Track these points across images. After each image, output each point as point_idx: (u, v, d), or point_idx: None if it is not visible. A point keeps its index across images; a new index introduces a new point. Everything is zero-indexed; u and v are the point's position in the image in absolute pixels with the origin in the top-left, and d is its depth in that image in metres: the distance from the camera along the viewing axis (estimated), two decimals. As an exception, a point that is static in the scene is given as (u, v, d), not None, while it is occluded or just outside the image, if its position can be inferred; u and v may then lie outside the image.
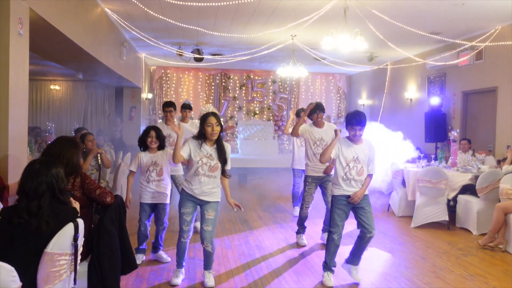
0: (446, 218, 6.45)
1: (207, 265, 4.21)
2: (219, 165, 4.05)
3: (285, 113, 15.55)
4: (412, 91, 11.48)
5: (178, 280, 4.21)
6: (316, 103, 5.57)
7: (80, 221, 2.66)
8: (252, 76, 15.31)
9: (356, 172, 4.20)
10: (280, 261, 4.94)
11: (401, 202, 7.30)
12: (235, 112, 15.31)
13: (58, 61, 8.81)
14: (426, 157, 7.71)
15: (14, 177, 4.08)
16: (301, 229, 5.73)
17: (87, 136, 5.76)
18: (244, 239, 5.84)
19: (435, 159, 7.71)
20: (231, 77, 15.25)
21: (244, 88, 15.33)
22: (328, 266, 4.34)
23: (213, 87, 15.23)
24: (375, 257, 5.17)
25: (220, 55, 11.52)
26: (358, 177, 4.21)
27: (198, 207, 4.18)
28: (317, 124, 5.52)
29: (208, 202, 4.10)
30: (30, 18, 4.67)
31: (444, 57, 9.27)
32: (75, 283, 2.70)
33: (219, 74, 15.16)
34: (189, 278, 4.40)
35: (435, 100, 9.80)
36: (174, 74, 15.05)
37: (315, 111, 5.48)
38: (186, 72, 15.05)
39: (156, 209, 4.87)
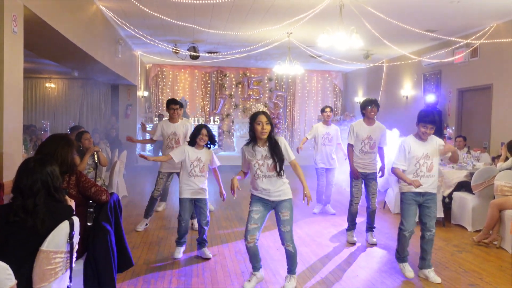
0: (441, 215, 6.47)
1: (291, 268, 4.10)
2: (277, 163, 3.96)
3: (281, 110, 15.56)
4: (408, 89, 11.51)
5: (251, 284, 4.06)
6: (370, 99, 5.51)
7: (76, 219, 2.66)
8: (248, 74, 15.31)
9: (426, 169, 4.27)
10: (277, 259, 4.95)
11: (396, 199, 7.31)
12: (231, 110, 15.30)
13: (53, 59, 8.78)
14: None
15: (9, 176, 4.07)
16: (351, 225, 5.72)
17: (84, 135, 5.74)
18: (241, 237, 5.84)
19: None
20: (227, 74, 15.25)
21: (240, 85, 15.33)
22: (401, 257, 4.44)
23: (209, 85, 15.23)
24: (371, 254, 5.19)
25: (216, 52, 11.51)
26: (428, 173, 4.27)
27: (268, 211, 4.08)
28: (368, 120, 5.48)
29: (279, 202, 3.99)
30: (25, 16, 4.65)
31: (439, 55, 9.29)
32: (70, 281, 2.71)
33: (215, 72, 15.15)
34: (185, 275, 4.41)
35: (430, 98, 9.83)
36: (170, 72, 15.03)
37: (369, 105, 5.41)
38: (182, 69, 15.03)
39: (197, 204, 4.91)
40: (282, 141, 4.03)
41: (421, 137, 4.30)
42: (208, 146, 4.91)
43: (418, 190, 4.23)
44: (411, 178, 4.25)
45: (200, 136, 4.79)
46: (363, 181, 5.60)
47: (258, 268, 4.12)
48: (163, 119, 6.51)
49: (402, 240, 4.39)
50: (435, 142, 4.36)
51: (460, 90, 9.32)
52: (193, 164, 4.82)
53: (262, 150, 3.96)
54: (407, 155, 4.29)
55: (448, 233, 6.16)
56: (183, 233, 4.92)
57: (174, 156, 4.82)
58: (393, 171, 4.38)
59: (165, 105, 14.61)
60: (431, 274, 4.37)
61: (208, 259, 4.89)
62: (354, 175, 5.54)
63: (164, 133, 6.21)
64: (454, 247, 5.49)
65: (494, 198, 5.86)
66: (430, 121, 4.22)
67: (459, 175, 6.57)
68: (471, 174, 6.39)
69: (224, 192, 4.97)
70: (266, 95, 15.53)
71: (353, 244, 5.58)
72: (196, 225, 5.69)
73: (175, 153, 4.85)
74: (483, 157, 7.32)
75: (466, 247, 5.52)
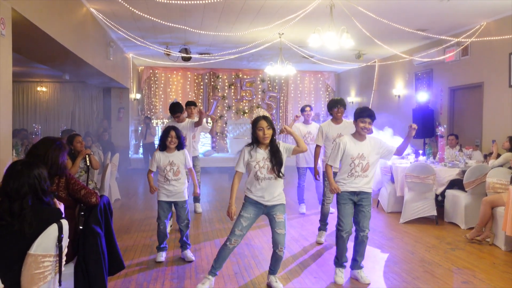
0: (435, 213, 6.49)
1: (274, 270, 4.13)
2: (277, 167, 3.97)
3: (274, 111, 15.55)
4: (400, 88, 11.54)
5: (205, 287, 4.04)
6: (337, 98, 5.64)
7: (64, 222, 2.63)
8: (240, 75, 15.28)
9: (361, 169, 4.23)
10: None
11: (390, 198, 7.35)
12: (224, 111, 15.27)
13: (43, 62, 8.72)
14: (415, 152, 7.76)
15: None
16: (323, 226, 5.76)
17: (76, 138, 5.71)
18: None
19: (423, 154, 7.76)
20: (220, 76, 15.21)
21: (233, 87, 15.30)
22: (339, 262, 4.36)
23: (201, 87, 15.18)
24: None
25: (208, 54, 11.49)
26: (363, 173, 4.24)
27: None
28: (336, 120, 5.56)
29: (274, 206, 4.00)
30: (13, 18, 4.61)
31: (430, 54, 9.33)
32: (60, 284, 2.68)
33: (207, 74, 15.11)
34: (178, 277, 4.38)
35: (422, 96, 9.86)
36: (163, 74, 14.97)
37: (336, 106, 5.49)
38: (175, 72, 14.98)
39: (175, 207, 4.89)
40: (282, 146, 4.04)
41: (361, 133, 4.24)
42: (181, 148, 4.88)
43: (352, 189, 4.23)
44: (346, 177, 4.25)
45: (169, 139, 4.75)
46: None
47: (216, 273, 4.08)
48: (168, 120, 6.73)
49: (340, 241, 4.30)
50: (373, 142, 4.30)
51: (451, 89, 9.36)
52: (166, 168, 4.78)
53: (264, 153, 3.96)
54: (342, 154, 4.26)
55: (441, 231, 6.18)
56: (163, 238, 4.87)
57: (152, 168, 4.82)
58: (325, 167, 4.42)
59: (158, 108, 14.72)
60: (362, 274, 4.33)
61: (190, 261, 4.84)
62: (315, 175, 5.77)
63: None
64: (447, 245, 5.50)
65: (487, 195, 5.88)
66: (368, 115, 4.19)
67: (451, 173, 6.59)
68: (463, 172, 6.42)
69: (198, 192, 5.24)
70: (259, 96, 15.51)
71: (320, 244, 5.57)
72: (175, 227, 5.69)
73: (152, 165, 4.85)
74: (475, 155, 7.35)
75: (459, 244, 5.53)
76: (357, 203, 4.29)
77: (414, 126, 4.22)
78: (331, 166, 4.34)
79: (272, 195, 3.97)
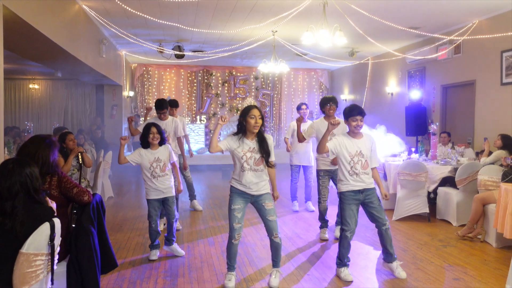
0: (427, 210, 6.54)
1: (276, 261, 4.12)
2: (263, 158, 4.01)
3: (268, 109, 15.55)
4: (392, 86, 11.58)
5: (232, 284, 4.07)
6: (329, 96, 5.67)
7: (57, 221, 2.63)
8: (234, 73, 15.27)
9: (361, 166, 4.22)
10: (262, 257, 4.95)
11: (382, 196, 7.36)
12: (218, 109, 15.25)
13: (35, 59, 8.67)
14: (407, 150, 7.80)
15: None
16: (323, 223, 5.80)
17: (68, 136, 5.68)
18: (227, 236, 5.82)
19: (416, 152, 7.80)
20: (213, 73, 15.18)
21: (226, 84, 15.28)
22: (342, 262, 4.36)
23: (195, 84, 15.15)
24: (357, 250, 5.21)
25: (202, 51, 11.46)
26: (363, 171, 4.23)
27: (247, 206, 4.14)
28: (328, 118, 5.55)
29: (261, 195, 4.03)
30: (4, 16, 4.58)
31: (423, 51, 9.37)
32: (52, 283, 2.67)
33: (201, 71, 15.08)
34: (171, 275, 4.38)
35: (415, 94, 9.91)
36: (156, 72, 14.91)
37: (327, 103, 5.53)
38: (168, 69, 14.92)
39: (164, 203, 4.90)
40: (270, 139, 4.08)
41: (354, 131, 4.25)
42: (163, 143, 4.88)
43: (357, 188, 4.22)
44: (348, 176, 4.22)
45: (151, 136, 4.75)
46: (330, 179, 5.70)
47: (234, 267, 4.15)
48: (154, 116, 6.62)
49: (344, 242, 4.30)
50: (368, 142, 4.31)
51: (444, 86, 9.41)
52: (153, 165, 4.77)
53: (251, 144, 3.99)
54: (339, 149, 4.23)
55: (433, 228, 6.22)
56: (155, 236, 4.89)
57: (130, 159, 4.77)
58: (320, 147, 4.32)
59: (151, 105, 14.65)
60: (397, 269, 4.36)
61: (181, 256, 4.89)
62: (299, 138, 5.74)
63: None
64: (439, 242, 5.54)
65: (478, 193, 5.92)
66: (358, 112, 4.21)
67: (444, 171, 6.63)
68: (455, 169, 6.46)
69: (181, 189, 5.19)
70: (252, 93, 15.50)
71: (325, 241, 5.65)
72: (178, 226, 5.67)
73: (131, 156, 4.80)
74: (467, 153, 7.39)
75: (451, 241, 5.57)
76: (365, 201, 4.28)
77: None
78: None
79: (258, 185, 4.02)
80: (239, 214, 4.03)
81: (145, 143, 4.79)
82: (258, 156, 3.99)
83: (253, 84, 15.51)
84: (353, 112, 4.22)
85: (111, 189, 8.60)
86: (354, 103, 4.51)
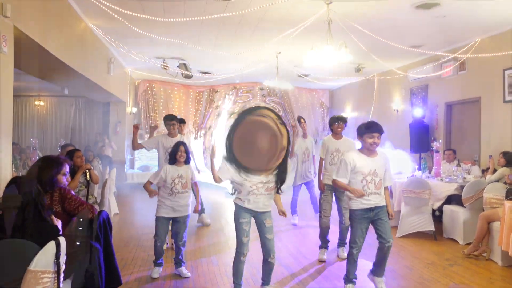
0: (432, 228, 6.49)
1: (267, 280, 4.13)
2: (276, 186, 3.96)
3: (283, 114, 14.90)
4: (397, 102, 11.61)
5: None
6: (337, 116, 5.82)
7: (62, 240, 2.65)
8: (238, 87, 15.10)
9: (374, 186, 4.10)
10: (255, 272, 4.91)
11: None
12: (213, 120, 15.01)
13: (43, 78, 8.77)
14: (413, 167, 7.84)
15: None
16: (323, 243, 5.66)
17: (76, 153, 5.72)
18: (230, 254, 5.80)
19: (419, 169, 7.80)
20: (218, 91, 15.15)
21: (228, 95, 15.03)
22: (349, 278, 4.34)
23: (201, 102, 15.14)
24: (361, 268, 5.13)
25: (209, 73, 11.62)
26: (376, 191, 4.12)
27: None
28: (336, 135, 5.69)
29: (264, 212, 3.98)
30: (14, 36, 4.67)
31: (426, 69, 9.41)
32: (58, 301, 2.68)
33: (207, 90, 15.04)
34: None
35: (418, 112, 9.94)
36: (161, 88, 14.80)
37: (336, 122, 5.66)
38: (176, 88, 14.81)
39: (175, 223, 4.90)
40: (290, 166, 4.03)
41: (369, 149, 4.11)
42: (188, 161, 5.00)
43: (367, 206, 4.11)
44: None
45: (179, 153, 4.87)
46: (333, 194, 5.65)
47: (241, 284, 4.10)
48: (162, 133, 6.75)
49: (350, 258, 4.27)
50: (384, 158, 4.20)
51: (448, 104, 9.42)
52: (175, 181, 4.83)
53: (263, 177, 3.89)
54: (350, 170, 4.09)
55: (440, 247, 6.18)
56: (160, 254, 4.90)
57: (153, 180, 4.81)
58: (334, 183, 4.24)
59: (159, 122, 14.65)
60: (380, 284, 4.30)
61: (187, 277, 4.85)
62: (321, 188, 5.65)
63: (164, 146, 6.27)
64: (446, 261, 5.50)
65: (484, 210, 5.90)
66: (377, 130, 4.08)
67: (449, 188, 6.61)
68: (462, 187, 6.44)
69: (199, 209, 5.26)
70: (258, 98, 15.01)
71: (323, 262, 5.48)
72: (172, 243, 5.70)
73: (154, 177, 4.86)
74: (473, 170, 7.37)
75: (458, 260, 5.53)
76: (374, 218, 4.17)
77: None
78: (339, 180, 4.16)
79: (264, 203, 3.97)
80: (247, 227, 3.94)
81: (173, 159, 4.91)
82: (271, 185, 3.91)
83: (258, 93, 15.04)
84: (372, 129, 4.08)
85: (117, 206, 8.62)
86: (372, 120, 4.37)
